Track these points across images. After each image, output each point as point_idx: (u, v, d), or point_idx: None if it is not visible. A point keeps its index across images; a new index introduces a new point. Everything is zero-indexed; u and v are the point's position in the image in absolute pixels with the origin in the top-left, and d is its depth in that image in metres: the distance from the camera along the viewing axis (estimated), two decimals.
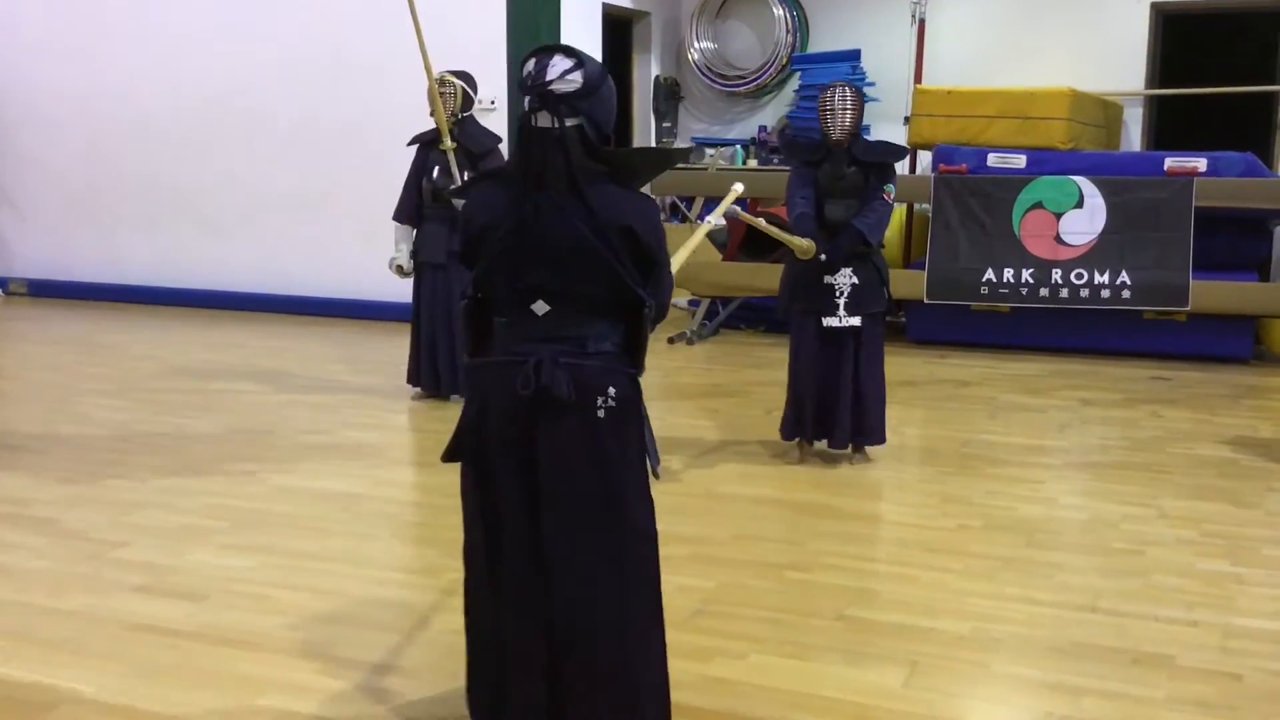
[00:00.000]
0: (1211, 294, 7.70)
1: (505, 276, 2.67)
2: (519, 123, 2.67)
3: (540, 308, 2.64)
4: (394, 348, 7.81)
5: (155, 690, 3.16)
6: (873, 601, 3.80)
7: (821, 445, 5.42)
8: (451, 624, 3.60)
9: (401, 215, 6.57)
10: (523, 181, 2.63)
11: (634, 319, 2.69)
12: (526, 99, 2.63)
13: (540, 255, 2.62)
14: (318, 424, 6.11)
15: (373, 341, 8.55)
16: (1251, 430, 6.08)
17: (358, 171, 9.45)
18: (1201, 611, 3.72)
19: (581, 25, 9.55)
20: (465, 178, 6.32)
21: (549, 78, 2.59)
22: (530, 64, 2.63)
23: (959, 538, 4.42)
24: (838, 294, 5.20)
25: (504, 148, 6.70)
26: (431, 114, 6.37)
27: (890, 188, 5.24)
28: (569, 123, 2.60)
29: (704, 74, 10.93)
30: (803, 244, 5.09)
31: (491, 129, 6.80)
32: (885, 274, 5.34)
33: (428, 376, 6.58)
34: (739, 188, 4.52)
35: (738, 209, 4.89)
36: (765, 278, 7.42)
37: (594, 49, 9.77)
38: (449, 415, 6.32)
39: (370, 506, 4.76)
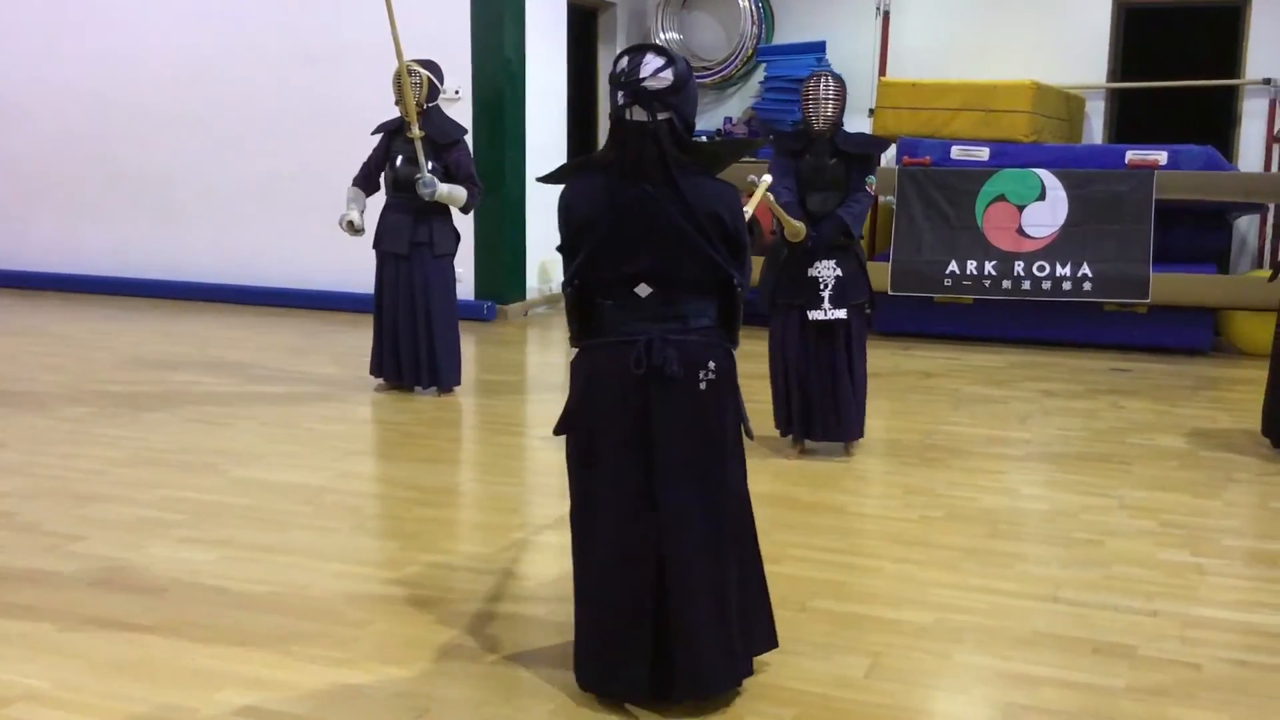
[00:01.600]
0: (1171, 286, 7.78)
1: (610, 262, 2.92)
2: (612, 117, 2.90)
3: (643, 290, 2.91)
4: (356, 339, 7.77)
5: (112, 685, 3.12)
6: (836, 593, 3.80)
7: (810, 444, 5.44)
8: (412, 616, 3.58)
9: (359, 181, 6.52)
10: (620, 173, 2.87)
11: (727, 295, 2.98)
12: (620, 94, 2.85)
13: (642, 242, 2.88)
14: (278, 415, 6.05)
15: (335, 332, 8.49)
16: (1211, 421, 6.14)
17: (320, 161, 9.36)
18: (1161, 601, 3.75)
19: (546, 16, 9.51)
20: (430, 167, 6.30)
21: (643, 75, 2.82)
22: (624, 61, 2.85)
23: (922, 529, 4.44)
24: (822, 286, 5.18)
25: (469, 139, 6.66)
26: (398, 103, 6.32)
27: (872, 179, 5.24)
28: (660, 117, 2.84)
29: None
30: (797, 225, 5.08)
31: (456, 119, 6.76)
32: (866, 266, 5.35)
33: (390, 368, 6.54)
34: (768, 179, 4.72)
35: (770, 196, 4.90)
36: None
37: (558, 40, 9.74)
38: (413, 406, 6.32)
39: (332, 499, 4.72)
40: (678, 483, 2.91)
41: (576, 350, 3.06)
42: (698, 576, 2.93)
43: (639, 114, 2.85)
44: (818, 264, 5.18)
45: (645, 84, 2.82)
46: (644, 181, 2.85)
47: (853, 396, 5.29)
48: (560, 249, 3.05)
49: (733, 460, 3.02)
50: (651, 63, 2.83)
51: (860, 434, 5.38)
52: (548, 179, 3.10)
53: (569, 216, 2.98)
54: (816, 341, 5.23)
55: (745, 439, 3.08)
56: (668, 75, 2.83)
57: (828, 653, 3.35)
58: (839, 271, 5.17)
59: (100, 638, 3.40)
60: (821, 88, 5.18)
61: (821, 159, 5.20)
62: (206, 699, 3.05)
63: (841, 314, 5.18)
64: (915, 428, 5.94)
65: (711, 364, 2.94)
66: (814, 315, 5.18)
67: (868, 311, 5.41)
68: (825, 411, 5.28)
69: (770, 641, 3.19)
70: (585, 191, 2.96)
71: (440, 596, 3.74)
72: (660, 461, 2.90)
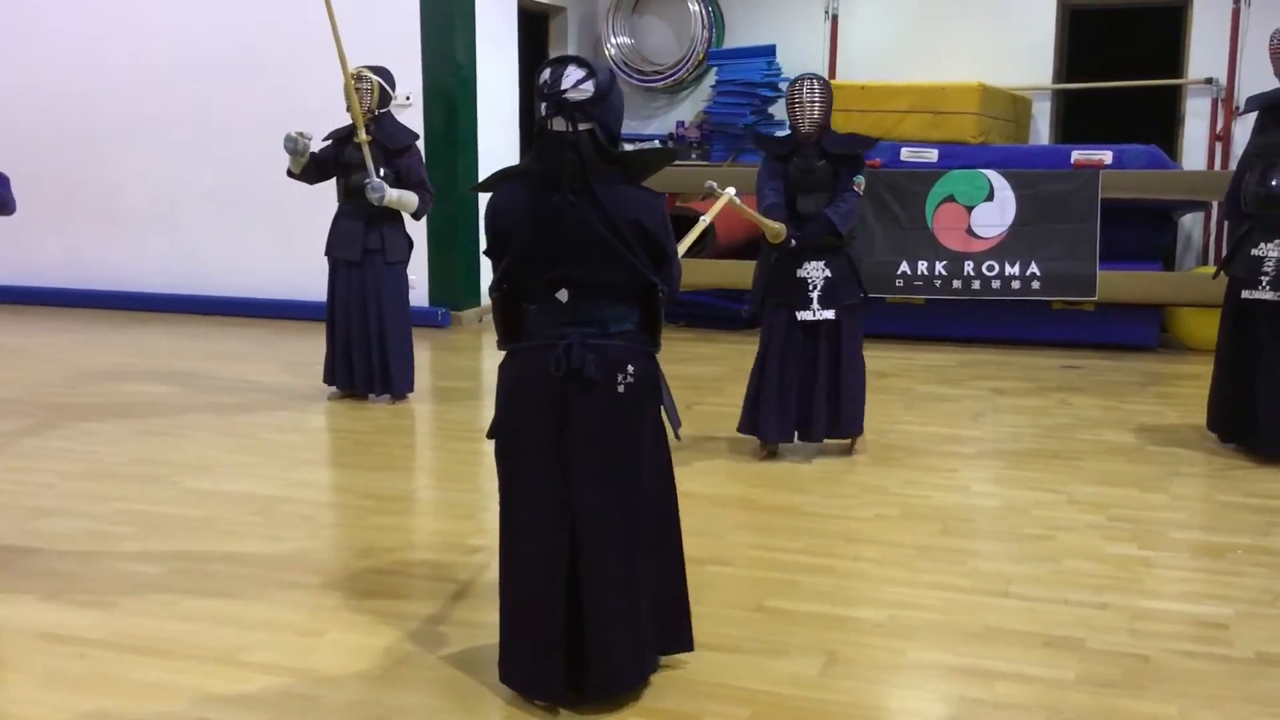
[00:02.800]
0: (1118, 284, 7.88)
1: (532, 268, 2.99)
2: (535, 127, 2.96)
3: (563, 295, 2.97)
4: (309, 347, 7.71)
5: (63, 699, 3.08)
6: (791, 592, 3.83)
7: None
8: (367, 625, 3.57)
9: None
10: (540, 181, 2.94)
11: (649, 301, 3.02)
12: (543, 105, 2.91)
13: (562, 249, 2.93)
14: (231, 426, 6.00)
15: (287, 341, 8.43)
16: (1158, 416, 6.23)
17: (271, 170, 9.23)
18: (1110, 595, 3.80)
19: (496, 21, 9.49)
20: (381, 174, 6.27)
21: (564, 86, 2.89)
22: (546, 73, 2.92)
23: (876, 527, 4.48)
24: (811, 287, 5.21)
25: (420, 144, 6.64)
26: (348, 109, 6.29)
27: (860, 179, 5.25)
28: (581, 127, 2.91)
29: (621, 69, 10.92)
30: (775, 227, 5.08)
31: (408, 126, 6.73)
32: (859, 266, 5.39)
33: (343, 375, 6.50)
34: (731, 190, 4.70)
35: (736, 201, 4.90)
36: (690, 273, 7.42)
37: (509, 44, 9.72)
38: (366, 414, 6.29)
39: (284, 508, 4.69)
40: (592, 483, 2.97)
41: (503, 354, 3.12)
42: (609, 576, 2.99)
43: (560, 124, 2.91)
44: (806, 265, 5.21)
45: (566, 95, 2.89)
46: (563, 190, 2.91)
47: (851, 396, 5.33)
48: (487, 253, 3.10)
49: (650, 462, 3.07)
50: (573, 74, 2.90)
51: (859, 430, 5.42)
52: (478, 187, 3.16)
53: (493, 223, 3.03)
54: (806, 342, 5.25)
55: (672, 440, 3.16)
56: (588, 87, 2.90)
57: (783, 652, 3.37)
58: (828, 272, 5.21)
59: (50, 652, 3.37)
60: (806, 91, 5.18)
61: (809, 161, 5.22)
62: (157, 711, 3.02)
63: (830, 315, 5.21)
64: (869, 427, 5.95)
65: (630, 368, 2.98)
66: (802, 316, 5.21)
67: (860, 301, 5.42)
68: (821, 411, 5.30)
69: (686, 644, 3.23)
70: (509, 199, 3.02)
71: (395, 604, 3.73)
72: (576, 463, 2.96)
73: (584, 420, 2.95)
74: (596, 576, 2.98)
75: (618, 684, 3.03)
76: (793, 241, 5.13)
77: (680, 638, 3.22)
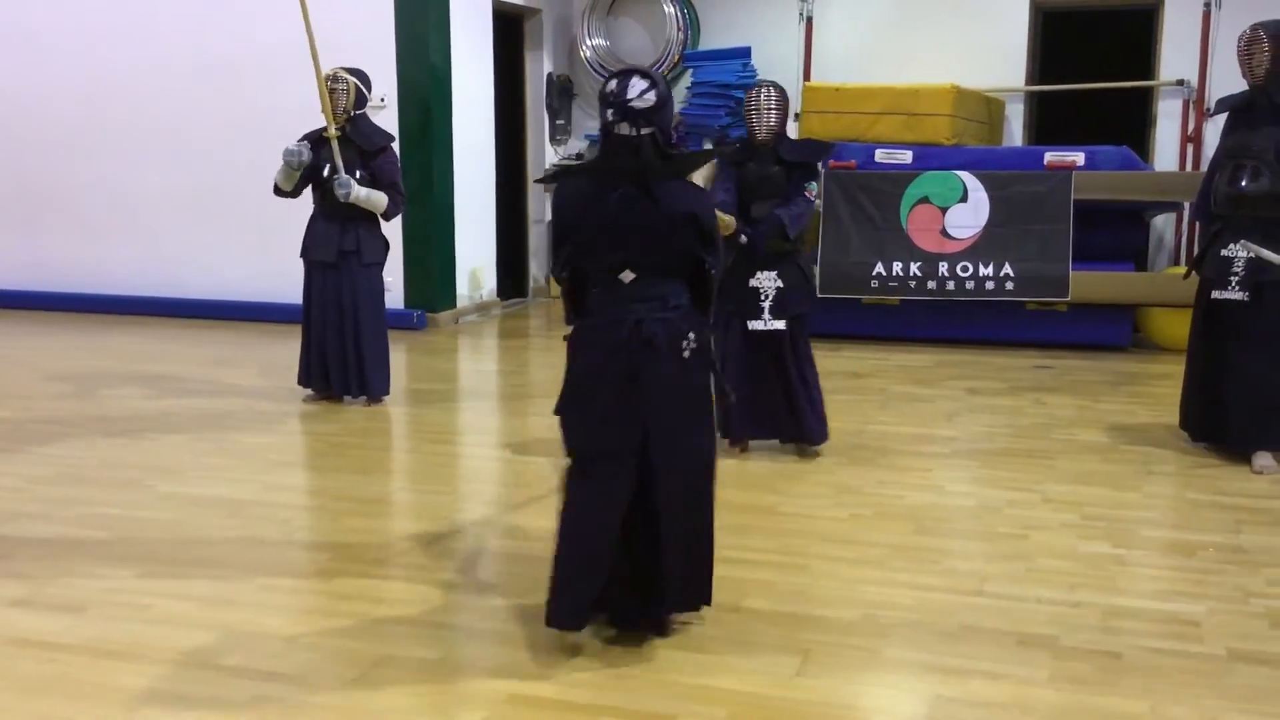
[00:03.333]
0: (1091, 284, 7.94)
1: (598, 254, 3.36)
2: (603, 130, 3.39)
3: (628, 276, 3.35)
4: (283, 350, 7.69)
5: (34, 705, 3.06)
6: (767, 592, 3.83)
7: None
8: (342, 628, 3.56)
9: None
10: (606, 178, 3.35)
11: (700, 278, 3.43)
12: (609, 111, 3.32)
13: (625, 236, 3.32)
14: (203, 429, 5.97)
15: (262, 344, 8.39)
16: (1130, 415, 6.27)
17: (243, 171, 9.26)
18: (1083, 592, 3.82)
19: (471, 23, 9.49)
20: (358, 175, 6.25)
21: (629, 96, 3.29)
22: (613, 84, 3.33)
23: (851, 527, 4.49)
24: (763, 297, 5.22)
25: (395, 146, 6.62)
26: (324, 110, 6.27)
27: (813, 185, 5.29)
28: (644, 131, 3.29)
29: (596, 71, 10.92)
30: (726, 219, 5.06)
31: (383, 127, 6.71)
32: (810, 276, 5.41)
33: (318, 378, 6.48)
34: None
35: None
36: None
37: (484, 46, 9.72)
38: (341, 417, 6.26)
39: (258, 512, 4.66)
40: (666, 438, 3.33)
41: (571, 330, 3.49)
42: (679, 522, 3.37)
43: (625, 129, 3.30)
44: (759, 275, 5.22)
45: (632, 103, 3.28)
46: (625, 185, 3.30)
47: (808, 404, 5.34)
48: (551, 242, 3.49)
49: (708, 417, 3.50)
50: (637, 85, 3.30)
51: (824, 437, 5.44)
52: (541, 180, 3.60)
53: (561, 215, 3.44)
54: (757, 350, 5.27)
55: (718, 407, 3.61)
56: (651, 96, 3.30)
57: (758, 651, 3.37)
58: (780, 283, 5.22)
59: (22, 657, 3.34)
60: (763, 98, 5.24)
61: (765, 167, 5.25)
62: (130, 717, 3.00)
63: (780, 325, 5.23)
64: (845, 428, 6.00)
65: (691, 335, 3.37)
66: (753, 326, 5.23)
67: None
68: (779, 415, 5.34)
69: (707, 598, 3.55)
70: (574, 192, 3.43)
71: (370, 607, 3.71)
72: (650, 422, 3.31)
73: (655, 384, 3.31)
74: (673, 519, 3.36)
75: (686, 603, 3.49)
76: (744, 236, 5.16)
77: (707, 590, 3.55)
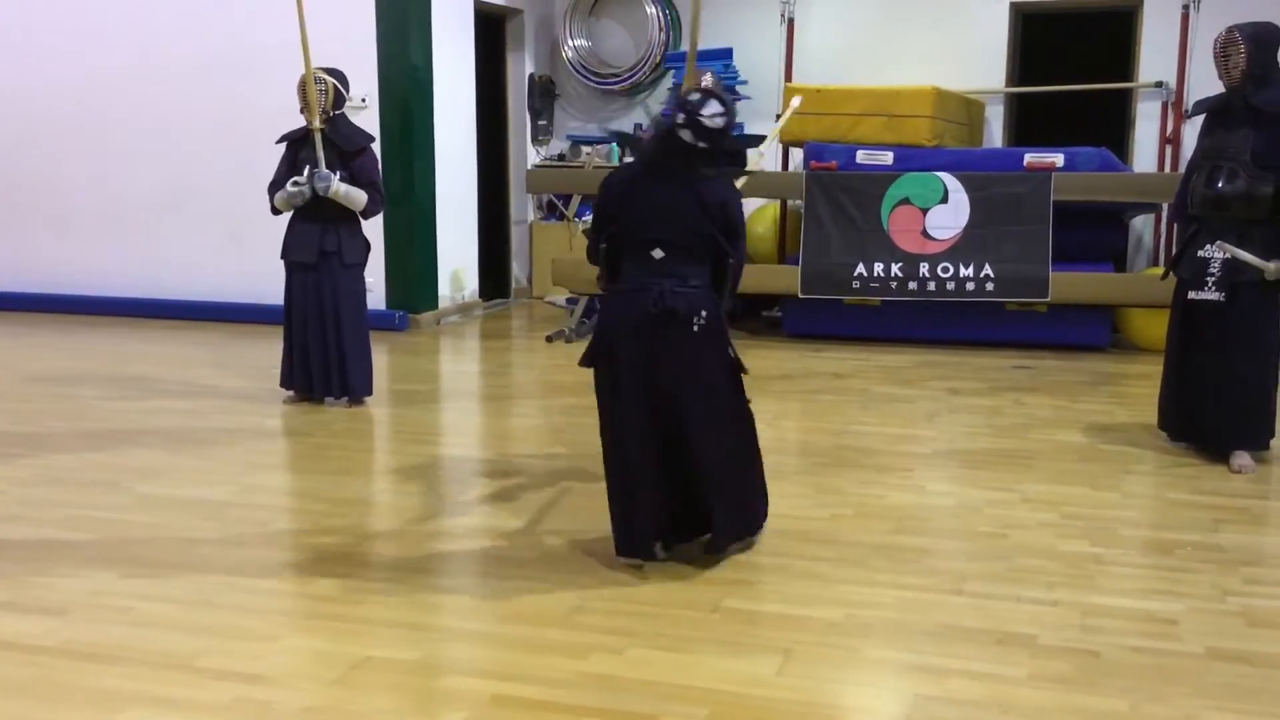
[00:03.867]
0: (1070, 285, 7.98)
1: (636, 231, 3.90)
2: (666, 127, 3.89)
3: (658, 253, 3.86)
4: (264, 351, 7.67)
5: (14, 708, 3.05)
6: (748, 592, 3.85)
7: None
8: (323, 629, 3.55)
9: (274, 189, 6.37)
10: (652, 168, 3.92)
11: (720, 265, 3.95)
12: (681, 115, 3.84)
13: (661, 219, 3.87)
14: (185, 430, 5.95)
15: (242, 345, 8.37)
16: (1109, 416, 6.31)
17: (222, 172, 9.25)
18: (1062, 591, 3.85)
19: (453, 23, 9.48)
20: (339, 176, 6.25)
21: (703, 113, 3.83)
22: (695, 96, 3.87)
23: (832, 527, 4.51)
24: None
25: (376, 146, 6.61)
26: (302, 110, 6.26)
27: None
28: (700, 144, 3.85)
29: (578, 72, 10.93)
30: None
31: (363, 127, 6.71)
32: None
33: (300, 379, 6.47)
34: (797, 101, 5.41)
35: None
36: None
37: (466, 47, 9.71)
38: (323, 418, 6.25)
39: (238, 513, 4.65)
40: (685, 395, 3.87)
41: (603, 294, 4.10)
42: (712, 462, 3.92)
43: (688, 136, 3.84)
44: None
45: (702, 119, 3.83)
46: (672, 177, 3.88)
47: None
48: (596, 214, 4.05)
49: (726, 380, 4.00)
50: (713, 107, 3.85)
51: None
52: (607, 170, 4.03)
53: (609, 194, 4.00)
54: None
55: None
56: (719, 121, 3.85)
57: (740, 651, 3.38)
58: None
59: (1, 659, 3.32)
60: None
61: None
62: (111, 719, 2.99)
63: None
64: (826, 428, 6.02)
65: (704, 312, 3.87)
66: None
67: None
68: None
69: (752, 528, 4.20)
70: (625, 177, 4.02)
71: (351, 608, 3.71)
72: (668, 382, 3.86)
73: (666, 348, 3.85)
74: (705, 460, 3.91)
75: (732, 532, 4.05)
76: None
77: (763, 511, 4.23)
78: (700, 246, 3.89)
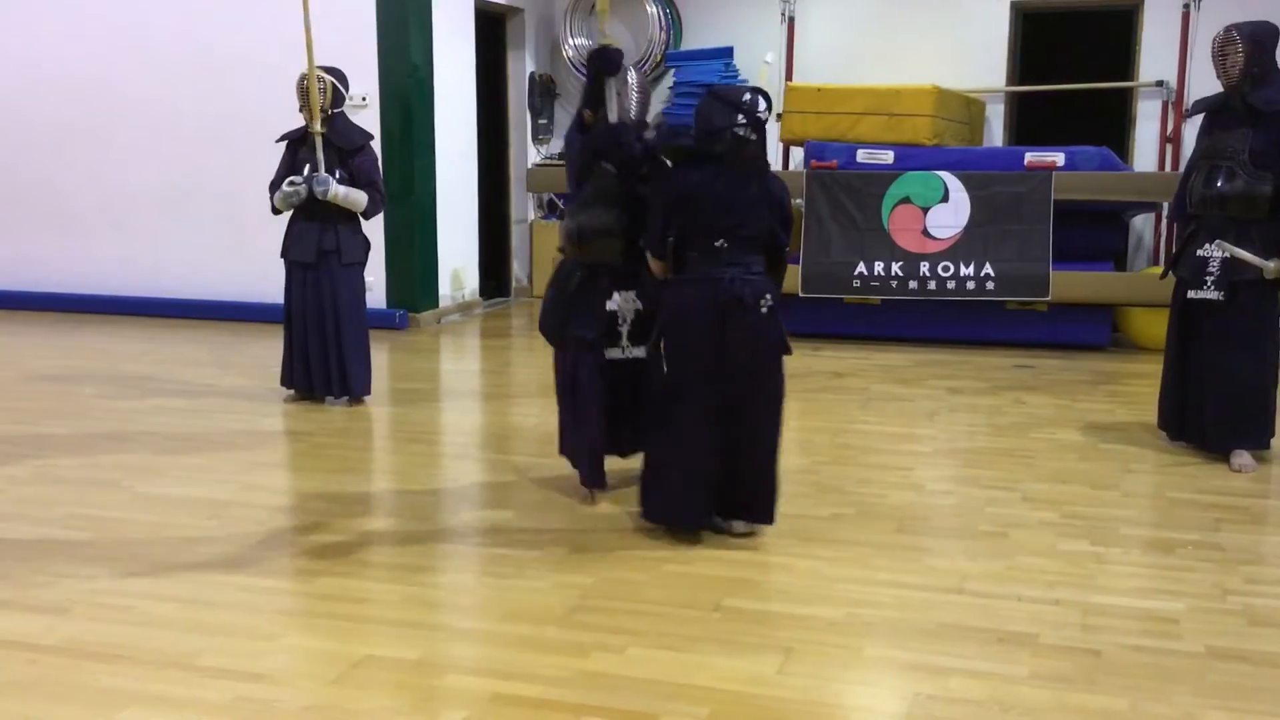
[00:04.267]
0: (1071, 284, 7.98)
1: (703, 224, 4.17)
2: (718, 127, 4.17)
3: (721, 244, 4.14)
4: (264, 350, 7.66)
5: (14, 707, 3.04)
6: (749, 591, 3.85)
7: None
8: (323, 628, 3.55)
9: (275, 188, 6.37)
10: (725, 164, 4.18)
11: (776, 253, 4.30)
12: (739, 115, 4.15)
13: (733, 213, 4.16)
14: (185, 429, 5.95)
15: (242, 344, 8.36)
16: (1109, 415, 6.31)
17: (220, 170, 9.25)
18: (1062, 590, 3.84)
19: (453, 22, 9.47)
20: (339, 176, 6.24)
21: (759, 109, 4.18)
22: (748, 96, 4.19)
23: (833, 526, 4.50)
24: (621, 321, 4.60)
25: (376, 145, 6.61)
26: (302, 109, 6.26)
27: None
28: (754, 137, 4.21)
29: (579, 71, 10.92)
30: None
31: (365, 127, 6.70)
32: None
33: (300, 378, 6.47)
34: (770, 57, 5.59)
35: None
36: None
37: (466, 45, 9.70)
38: (322, 417, 6.25)
39: (238, 512, 4.65)
40: (745, 375, 4.17)
41: (666, 284, 4.31)
42: (760, 444, 4.24)
43: (744, 131, 4.17)
44: (616, 295, 4.58)
45: (759, 115, 4.18)
46: (737, 172, 4.18)
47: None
48: (662, 208, 4.25)
49: (779, 365, 4.26)
50: (762, 102, 4.20)
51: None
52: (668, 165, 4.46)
53: (677, 188, 4.23)
54: (616, 382, 4.67)
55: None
56: (767, 114, 4.23)
57: (741, 650, 3.38)
58: (639, 304, 4.59)
59: (2, 658, 3.32)
60: None
61: None
62: (110, 718, 2.99)
63: (640, 352, 4.56)
64: (826, 427, 6.02)
65: (768, 295, 4.17)
66: (610, 354, 4.60)
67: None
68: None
69: (770, 517, 4.36)
70: (696, 176, 4.22)
71: (351, 607, 3.71)
72: (730, 361, 4.14)
73: (738, 332, 4.14)
74: (753, 436, 4.22)
75: (756, 517, 4.32)
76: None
77: (770, 512, 4.35)
78: (762, 237, 4.22)
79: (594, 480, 4.75)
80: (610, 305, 4.61)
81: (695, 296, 4.16)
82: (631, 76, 4.70)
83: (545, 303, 4.82)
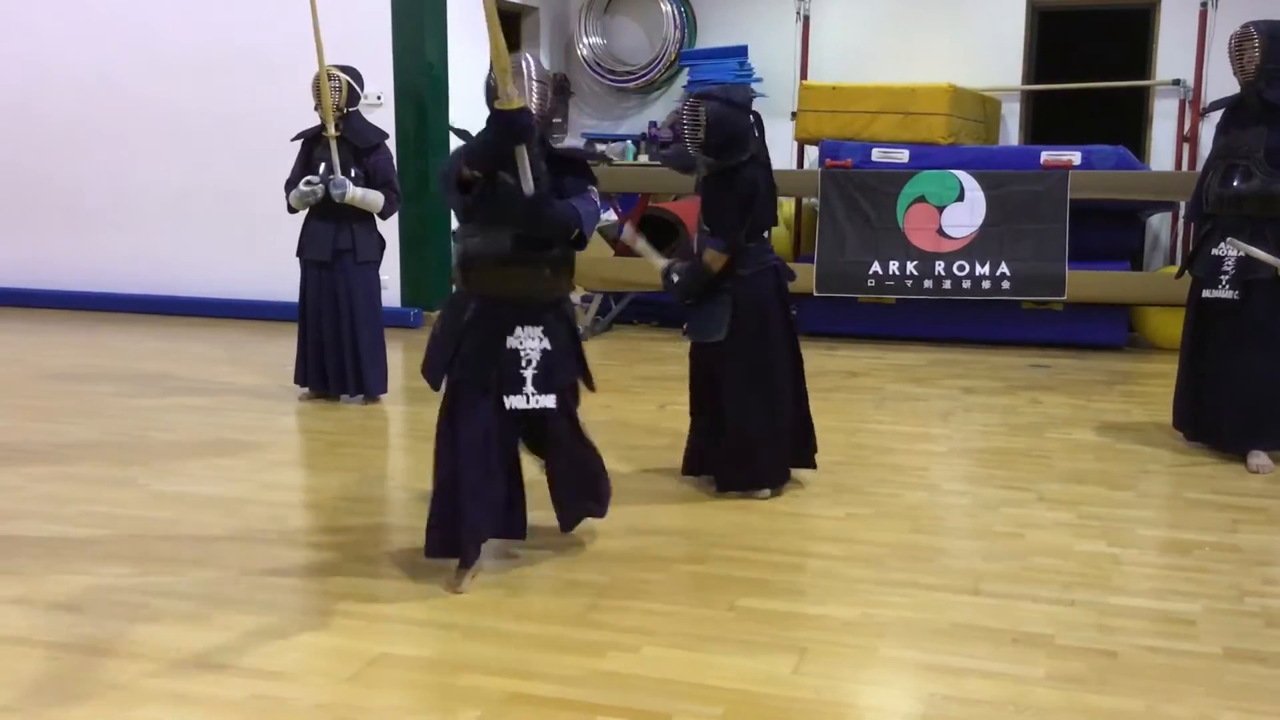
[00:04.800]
0: (1087, 284, 7.95)
1: (765, 216, 4.75)
2: (752, 128, 4.68)
3: (767, 234, 4.81)
4: (279, 348, 7.68)
5: (32, 704, 3.06)
6: (764, 591, 3.84)
7: None
8: (338, 626, 3.56)
9: (290, 186, 6.38)
10: (754, 162, 4.68)
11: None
12: (751, 116, 4.69)
13: (772, 203, 4.82)
14: (200, 427, 5.97)
15: (257, 342, 8.39)
16: (1125, 415, 6.28)
17: (234, 169, 9.27)
18: (1079, 591, 3.83)
19: (468, 20, 9.44)
20: (352, 174, 6.25)
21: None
22: (748, 95, 4.78)
23: (848, 526, 4.50)
24: (524, 363, 3.86)
25: (391, 143, 6.62)
26: (316, 108, 6.28)
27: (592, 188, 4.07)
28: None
29: (593, 70, 10.94)
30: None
31: (380, 125, 6.71)
32: (579, 334, 4.15)
33: (315, 376, 6.48)
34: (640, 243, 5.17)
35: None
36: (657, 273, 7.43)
37: (481, 44, 9.65)
38: (338, 415, 6.26)
39: (254, 510, 4.66)
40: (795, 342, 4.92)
41: (734, 278, 4.67)
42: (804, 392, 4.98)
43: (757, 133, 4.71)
44: (519, 329, 3.86)
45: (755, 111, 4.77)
46: (768, 168, 4.75)
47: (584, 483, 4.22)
48: (743, 208, 4.62)
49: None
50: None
51: (602, 512, 4.28)
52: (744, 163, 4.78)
53: (757, 190, 4.66)
54: (513, 436, 3.99)
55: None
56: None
57: (754, 650, 3.38)
58: (547, 343, 3.88)
59: (20, 656, 3.34)
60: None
61: None
62: (127, 716, 3.00)
63: (550, 402, 3.88)
64: (841, 427, 6.00)
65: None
66: (512, 403, 3.85)
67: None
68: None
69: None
70: (757, 171, 4.69)
71: (365, 605, 3.72)
72: (794, 331, 4.91)
73: (790, 309, 4.87)
74: (799, 394, 4.91)
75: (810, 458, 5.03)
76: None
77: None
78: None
79: (453, 551, 3.85)
80: (511, 342, 3.85)
81: (766, 283, 4.72)
82: (530, 66, 3.92)
83: (431, 338, 4.02)
